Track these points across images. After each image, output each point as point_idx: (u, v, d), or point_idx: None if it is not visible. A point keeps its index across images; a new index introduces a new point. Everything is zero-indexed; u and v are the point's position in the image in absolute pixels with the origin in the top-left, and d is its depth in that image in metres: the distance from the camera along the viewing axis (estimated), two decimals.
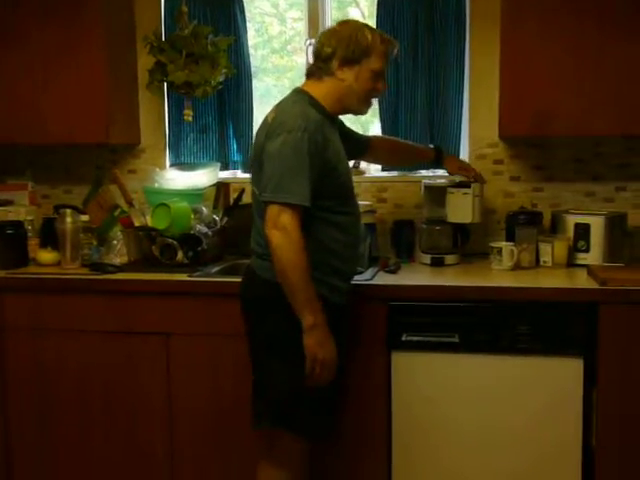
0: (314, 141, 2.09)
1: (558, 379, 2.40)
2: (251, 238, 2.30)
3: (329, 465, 2.52)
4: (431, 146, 2.89)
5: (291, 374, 2.15)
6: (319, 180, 2.11)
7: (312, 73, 2.27)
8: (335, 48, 2.19)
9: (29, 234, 2.98)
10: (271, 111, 2.25)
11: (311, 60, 2.30)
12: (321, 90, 2.23)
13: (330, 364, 2.11)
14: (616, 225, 2.77)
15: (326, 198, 2.16)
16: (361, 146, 2.60)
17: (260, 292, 2.21)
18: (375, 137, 2.81)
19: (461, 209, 2.80)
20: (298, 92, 2.26)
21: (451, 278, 2.60)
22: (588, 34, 2.59)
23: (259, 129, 2.26)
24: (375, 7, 3.06)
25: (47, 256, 2.90)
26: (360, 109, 2.32)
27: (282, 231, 2.06)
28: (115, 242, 2.94)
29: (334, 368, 2.13)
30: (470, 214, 2.80)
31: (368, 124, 3.42)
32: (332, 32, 2.25)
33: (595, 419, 2.40)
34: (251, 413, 2.29)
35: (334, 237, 2.20)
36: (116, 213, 3.02)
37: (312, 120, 2.11)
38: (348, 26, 2.25)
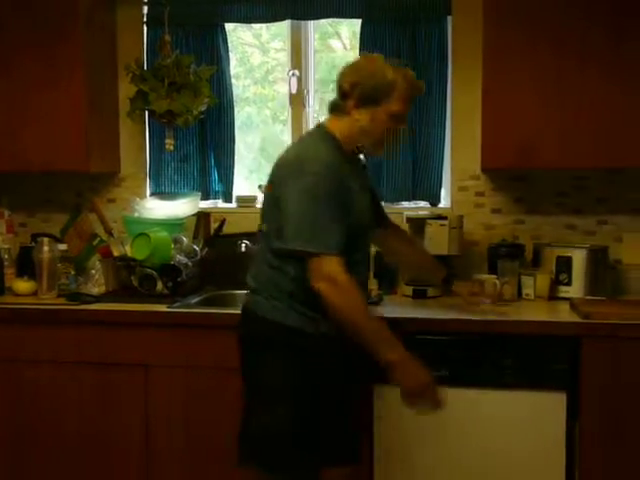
0: (335, 184, 2.02)
1: (541, 413, 2.38)
2: (248, 273, 2.23)
3: None
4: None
5: (284, 415, 2.08)
6: None
7: (334, 109, 2.17)
8: (353, 86, 2.09)
9: (5, 263, 2.94)
10: (292, 147, 2.17)
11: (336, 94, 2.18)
12: (339, 127, 2.14)
13: (427, 389, 2.03)
14: (598, 258, 2.78)
15: None
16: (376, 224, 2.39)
17: (254, 329, 2.15)
18: (394, 228, 2.56)
19: (438, 240, 2.80)
20: (319, 128, 2.18)
21: (433, 310, 2.58)
22: (569, 68, 2.62)
23: (279, 164, 2.15)
24: (358, 40, 3.08)
25: (23, 285, 2.85)
26: (374, 151, 2.23)
27: (329, 282, 1.99)
28: (93, 272, 2.90)
29: (434, 389, 2.04)
30: (446, 246, 2.79)
31: None
32: (353, 68, 2.15)
33: (578, 453, 2.38)
34: (237, 450, 2.20)
35: None
36: (95, 242, 2.99)
37: (330, 162, 2.04)
38: (370, 63, 2.15)
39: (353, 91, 2.09)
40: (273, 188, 2.12)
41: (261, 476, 2.15)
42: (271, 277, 2.12)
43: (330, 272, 1.99)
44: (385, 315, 2.48)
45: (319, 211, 2.00)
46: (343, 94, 2.12)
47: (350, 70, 2.14)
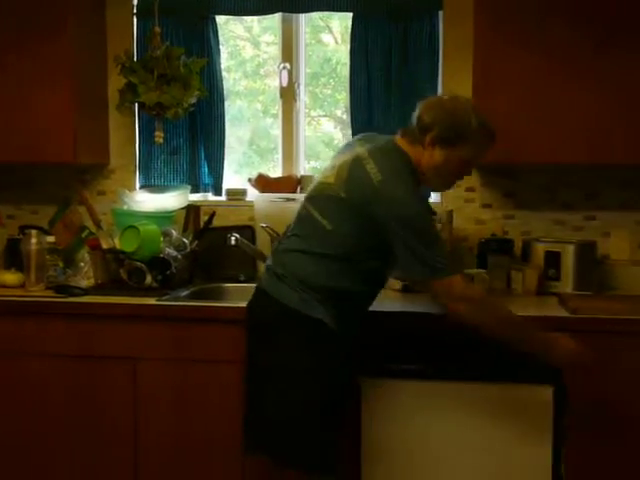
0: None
1: (528, 407, 2.39)
2: (273, 257, 2.23)
3: None
4: None
5: (295, 401, 2.10)
6: None
7: (408, 134, 2.18)
8: (434, 123, 2.11)
9: None
10: (369, 161, 2.09)
11: (414, 123, 2.18)
12: (413, 153, 2.15)
13: (579, 356, 2.13)
14: (586, 253, 2.79)
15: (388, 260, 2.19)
16: None
17: (275, 315, 2.13)
18: None
19: None
20: (399, 150, 2.15)
21: (422, 305, 2.58)
22: (557, 65, 2.64)
23: (357, 180, 2.09)
24: (349, 34, 3.08)
25: (11, 277, 2.84)
26: (438, 188, 2.26)
27: (465, 301, 2.07)
28: (82, 264, 2.89)
29: (583, 352, 2.13)
30: None
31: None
32: (437, 104, 2.17)
33: (564, 447, 2.39)
34: (244, 437, 2.22)
35: (373, 290, 2.24)
36: (83, 235, 2.97)
37: (418, 192, 2.12)
38: (455, 104, 2.16)
39: (432, 128, 2.12)
40: (339, 191, 2.10)
41: (272, 465, 2.16)
42: (308, 270, 2.11)
43: (464, 292, 2.09)
44: (373, 309, 2.49)
45: (432, 240, 2.07)
46: (423, 128, 2.13)
47: (434, 106, 2.16)
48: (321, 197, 2.16)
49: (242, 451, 2.24)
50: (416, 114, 2.17)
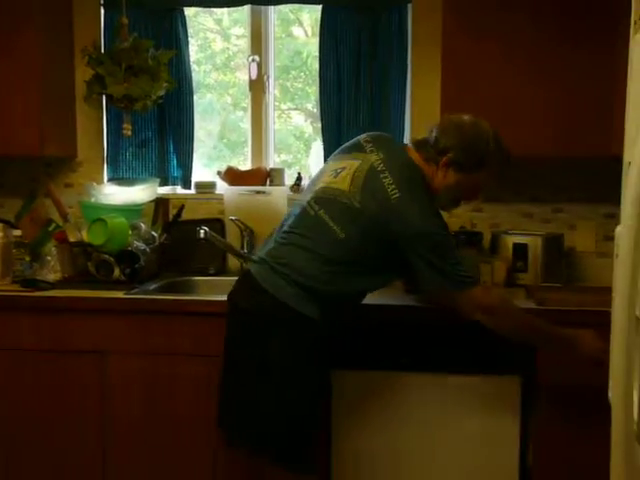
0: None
1: (495, 399, 2.41)
2: (270, 251, 2.17)
3: None
4: None
5: (283, 399, 2.09)
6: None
7: (422, 150, 2.18)
8: (451, 147, 2.12)
9: None
10: (386, 174, 2.08)
11: (431, 141, 2.17)
12: (426, 169, 2.16)
13: (599, 353, 2.10)
14: (553, 246, 2.82)
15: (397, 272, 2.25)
16: None
17: (266, 308, 2.10)
18: None
19: None
20: (415, 166, 2.15)
21: (392, 297, 2.60)
22: (524, 60, 2.65)
23: (367, 180, 2.09)
24: (318, 27, 3.08)
25: None
26: (446, 207, 2.25)
27: (488, 311, 2.12)
28: (49, 258, 2.86)
29: (602, 350, 2.10)
30: None
31: (310, 142, 3.42)
32: (455, 127, 2.15)
33: (532, 438, 2.42)
34: (227, 431, 2.22)
35: (365, 294, 2.27)
36: (50, 228, 2.94)
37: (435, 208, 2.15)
38: (474, 129, 2.15)
39: (449, 151, 2.13)
40: (353, 200, 2.08)
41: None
42: (310, 268, 2.09)
43: (485, 302, 2.13)
44: None
45: (451, 254, 2.10)
46: (439, 150, 2.14)
47: (454, 130, 2.15)
48: (333, 202, 2.12)
49: (225, 443, 2.24)
50: (434, 134, 2.17)
